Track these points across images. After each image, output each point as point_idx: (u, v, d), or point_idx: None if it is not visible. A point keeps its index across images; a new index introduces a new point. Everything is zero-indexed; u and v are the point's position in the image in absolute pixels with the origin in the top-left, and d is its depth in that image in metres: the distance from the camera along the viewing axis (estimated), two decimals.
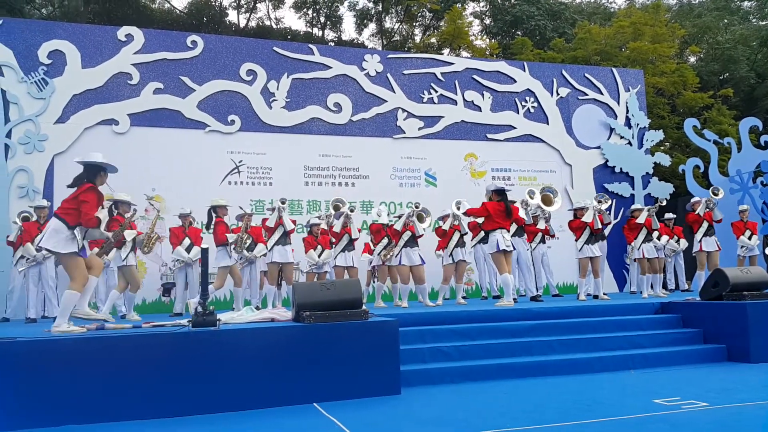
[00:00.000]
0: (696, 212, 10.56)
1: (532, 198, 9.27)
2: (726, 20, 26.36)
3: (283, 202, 9.01)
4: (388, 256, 9.30)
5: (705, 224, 10.44)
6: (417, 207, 9.18)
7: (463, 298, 9.93)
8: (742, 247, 10.83)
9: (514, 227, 9.39)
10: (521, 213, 9.26)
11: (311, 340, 5.05)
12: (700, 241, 10.43)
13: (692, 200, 11.13)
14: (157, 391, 4.60)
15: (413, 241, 9.01)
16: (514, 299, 8.56)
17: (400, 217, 9.26)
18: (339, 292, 5.41)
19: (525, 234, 9.87)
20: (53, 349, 4.54)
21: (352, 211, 9.45)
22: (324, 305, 5.27)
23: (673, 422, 4.03)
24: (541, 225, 10.57)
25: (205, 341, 4.82)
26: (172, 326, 5.30)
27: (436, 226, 10.17)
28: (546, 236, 10.82)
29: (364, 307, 5.48)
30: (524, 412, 4.48)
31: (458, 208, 9.26)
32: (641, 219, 9.94)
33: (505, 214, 8.35)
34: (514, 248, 8.87)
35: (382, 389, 5.13)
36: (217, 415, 4.63)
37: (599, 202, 9.88)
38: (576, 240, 9.75)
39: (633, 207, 10.87)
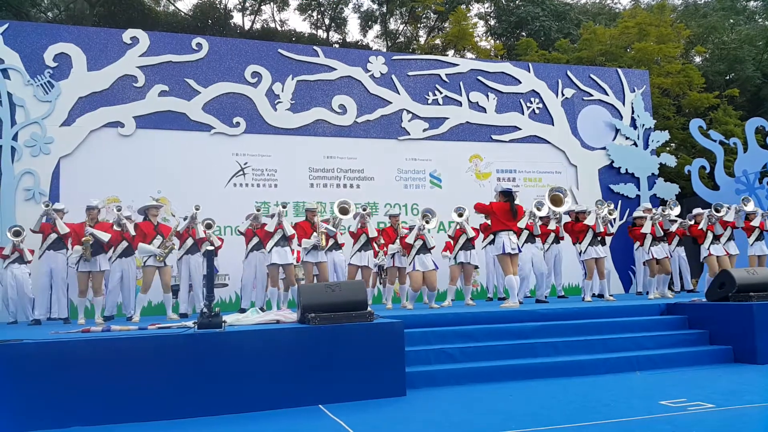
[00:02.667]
0: (699, 227, 10.46)
1: (539, 210, 9.29)
2: (732, 20, 26.26)
3: (284, 206, 9.00)
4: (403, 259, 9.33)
5: (710, 235, 10.36)
6: (427, 222, 9.17)
7: (470, 299, 9.93)
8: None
9: (525, 235, 9.43)
10: (528, 221, 9.29)
11: (316, 341, 5.05)
12: (708, 248, 10.35)
13: (694, 212, 11.01)
14: (162, 393, 4.61)
15: (425, 248, 9.05)
16: (520, 301, 8.56)
17: (411, 228, 9.33)
18: (344, 294, 5.41)
19: (536, 239, 9.84)
20: (59, 351, 4.56)
21: (364, 210, 9.46)
22: (329, 307, 5.28)
23: (680, 424, 4.01)
24: (552, 226, 10.52)
25: (211, 343, 4.83)
26: (177, 328, 5.32)
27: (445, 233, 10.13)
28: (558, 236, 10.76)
29: (369, 308, 5.49)
30: (529, 413, 4.46)
31: (459, 215, 9.40)
32: (646, 228, 9.91)
33: (510, 215, 8.38)
34: (520, 250, 8.87)
35: (387, 391, 5.13)
36: (223, 417, 4.63)
37: (601, 207, 9.90)
38: (579, 243, 9.71)
39: (635, 214, 10.78)
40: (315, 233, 9.09)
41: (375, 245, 11.44)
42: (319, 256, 9.05)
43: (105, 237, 8.58)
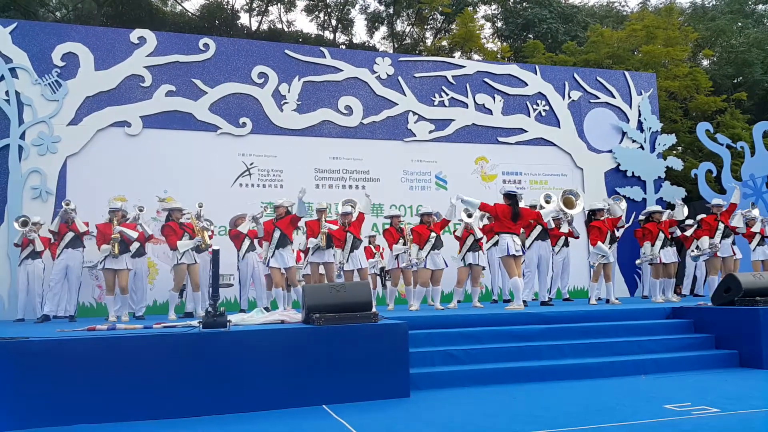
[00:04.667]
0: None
1: (548, 202, 9.24)
2: (740, 23, 26.16)
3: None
4: (415, 260, 9.30)
5: (722, 227, 10.28)
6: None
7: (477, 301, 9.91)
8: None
9: (537, 231, 9.38)
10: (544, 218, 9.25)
11: (321, 342, 5.06)
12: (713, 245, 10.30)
13: (713, 202, 10.93)
14: (167, 392, 4.62)
15: (440, 241, 9.15)
16: (525, 303, 8.54)
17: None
18: (349, 295, 5.42)
19: (549, 238, 9.78)
20: (65, 348, 4.57)
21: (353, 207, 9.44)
22: (334, 307, 5.28)
23: (684, 428, 3.99)
24: (564, 228, 10.46)
25: (216, 342, 4.84)
26: (182, 327, 5.33)
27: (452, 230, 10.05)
28: (570, 239, 10.72)
29: (374, 309, 5.49)
30: (534, 416, 4.46)
31: (468, 216, 9.41)
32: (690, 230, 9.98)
33: (512, 217, 8.37)
34: (524, 252, 8.86)
35: (391, 392, 5.13)
36: (227, 416, 4.64)
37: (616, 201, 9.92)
38: (594, 245, 9.65)
39: (652, 209, 10.66)
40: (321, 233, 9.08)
41: (372, 247, 11.50)
42: (325, 256, 9.04)
43: (134, 234, 8.75)
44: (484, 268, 10.13)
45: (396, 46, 27.55)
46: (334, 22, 28.17)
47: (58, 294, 9.06)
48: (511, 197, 8.50)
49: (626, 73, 15.46)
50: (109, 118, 11.47)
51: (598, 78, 14.87)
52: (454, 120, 13.56)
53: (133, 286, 9.38)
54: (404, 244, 9.50)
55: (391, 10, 27.40)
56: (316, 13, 27.84)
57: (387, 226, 10.21)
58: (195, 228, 8.90)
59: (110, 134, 11.47)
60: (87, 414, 4.45)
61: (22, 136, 10.99)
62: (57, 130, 11.14)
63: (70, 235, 8.99)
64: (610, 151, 14.47)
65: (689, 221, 11.42)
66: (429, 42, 27.54)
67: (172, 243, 8.93)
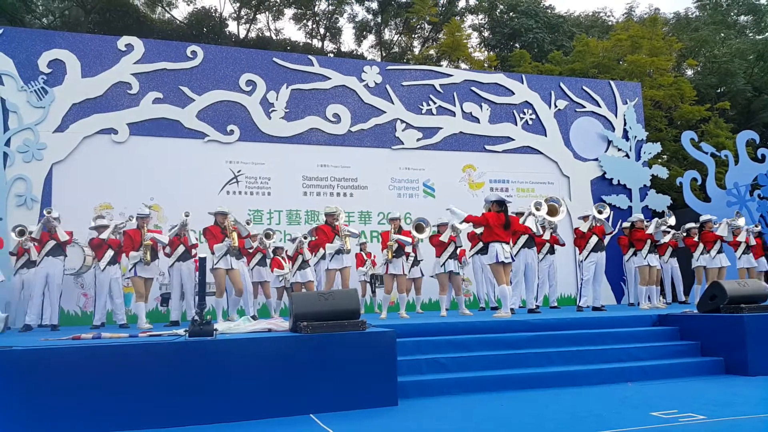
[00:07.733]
0: (713, 232, 10.66)
1: (538, 210, 9.24)
2: (723, 34, 26.52)
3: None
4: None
5: (701, 246, 10.58)
6: (420, 232, 9.38)
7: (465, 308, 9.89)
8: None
9: (524, 238, 9.40)
10: (531, 225, 9.24)
11: (308, 350, 5.03)
12: (698, 259, 10.49)
13: (687, 226, 11.14)
14: (152, 401, 4.57)
15: (401, 252, 9.34)
16: (512, 310, 8.54)
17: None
18: (337, 303, 5.39)
19: (535, 246, 9.80)
20: (49, 358, 4.52)
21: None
22: (321, 315, 5.26)
23: None
24: (547, 235, 10.50)
25: (202, 351, 4.80)
26: (168, 336, 5.29)
27: (433, 233, 9.93)
28: (555, 245, 10.77)
29: (361, 317, 5.47)
30: (522, 424, 4.46)
31: (460, 223, 9.35)
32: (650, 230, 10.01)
33: (503, 226, 8.33)
34: (513, 260, 8.86)
35: (379, 400, 5.11)
36: (213, 426, 4.60)
37: (599, 212, 9.91)
38: (581, 251, 9.76)
39: (635, 218, 10.78)
40: (337, 237, 9.00)
41: (363, 254, 11.49)
42: (344, 261, 8.98)
43: (165, 239, 8.79)
44: (464, 279, 10.14)
45: (384, 54, 27.66)
46: (322, 31, 28.23)
47: (39, 304, 8.93)
48: (501, 204, 8.46)
49: (612, 82, 15.62)
50: (95, 126, 11.40)
51: (584, 87, 15.01)
52: (441, 128, 13.62)
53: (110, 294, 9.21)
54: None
55: (379, 19, 27.52)
56: (305, 21, 27.91)
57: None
58: (227, 230, 8.65)
59: (97, 141, 11.40)
60: (71, 424, 4.39)
61: (8, 143, 10.89)
62: (43, 137, 11.06)
63: (51, 243, 8.91)
64: (596, 160, 14.59)
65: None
66: (417, 51, 27.67)
67: (210, 247, 8.76)
